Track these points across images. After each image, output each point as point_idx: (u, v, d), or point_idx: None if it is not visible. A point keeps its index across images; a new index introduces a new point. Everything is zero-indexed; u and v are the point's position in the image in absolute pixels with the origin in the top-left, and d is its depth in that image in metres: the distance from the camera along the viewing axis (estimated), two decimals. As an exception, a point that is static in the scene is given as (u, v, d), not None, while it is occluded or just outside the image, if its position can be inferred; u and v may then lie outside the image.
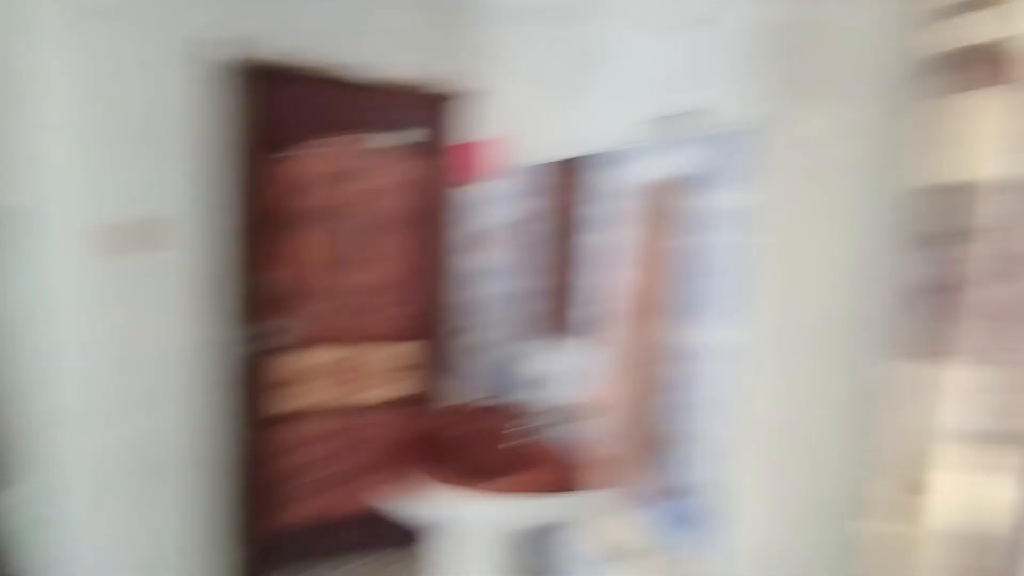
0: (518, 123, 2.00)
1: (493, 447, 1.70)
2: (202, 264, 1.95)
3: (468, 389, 2.25)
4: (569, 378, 1.55)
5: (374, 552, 2.38)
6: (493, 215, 2.08)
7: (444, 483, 1.48)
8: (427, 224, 2.33)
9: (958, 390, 1.06)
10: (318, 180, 2.17)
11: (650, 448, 1.33)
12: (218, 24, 1.89)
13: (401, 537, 2.23)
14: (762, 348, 1.18)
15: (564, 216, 1.70)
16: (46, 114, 1.77)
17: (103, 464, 1.89)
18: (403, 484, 1.56)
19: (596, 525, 1.44)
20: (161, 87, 1.86)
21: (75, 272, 1.81)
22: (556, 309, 1.63)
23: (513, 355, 1.87)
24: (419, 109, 2.25)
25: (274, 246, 2.13)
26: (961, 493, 1.05)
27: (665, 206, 1.30)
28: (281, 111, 2.07)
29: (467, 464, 1.70)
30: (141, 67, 1.83)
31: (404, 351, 2.36)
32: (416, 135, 2.26)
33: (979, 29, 1.03)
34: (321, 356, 2.26)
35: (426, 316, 2.37)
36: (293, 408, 2.24)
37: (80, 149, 1.79)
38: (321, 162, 2.16)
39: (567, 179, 1.70)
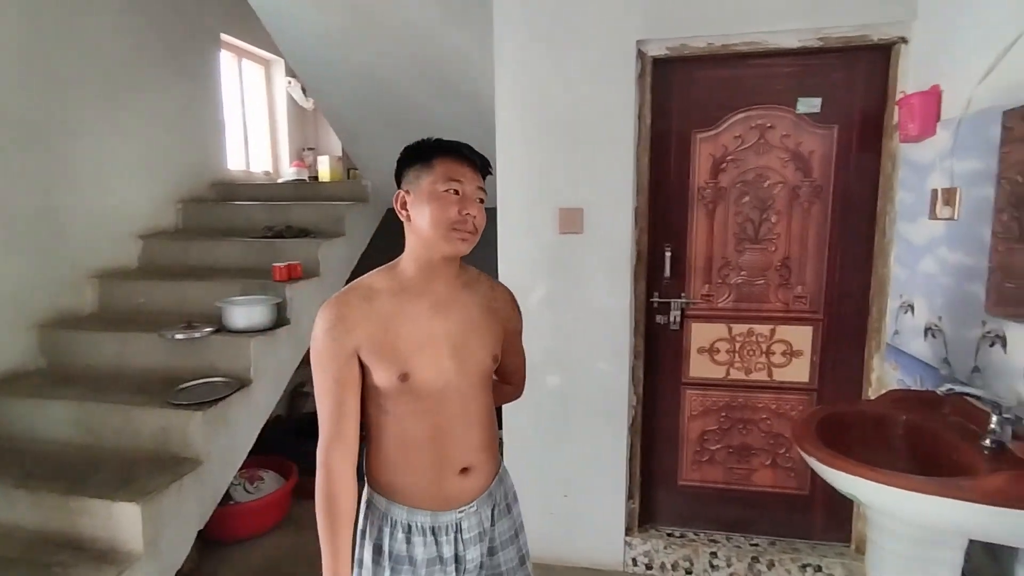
0: (957, 68, 1.73)
1: (951, 443, 1.48)
2: (621, 240, 2.28)
3: (900, 376, 2.08)
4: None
5: (761, 533, 2.47)
6: (936, 177, 1.81)
7: (872, 472, 1.30)
8: (843, 197, 2.21)
9: None
10: (728, 156, 2.27)
11: None
12: (652, 27, 2.18)
13: (792, 524, 2.43)
14: None
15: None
16: (509, 126, 2.33)
17: (543, 404, 2.40)
18: (814, 466, 1.44)
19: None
20: (599, 90, 2.22)
21: (539, 246, 2.34)
22: None
23: (977, 339, 1.59)
24: (839, 71, 2.15)
25: (685, 221, 2.34)
26: None
27: None
28: (701, 92, 2.25)
29: (910, 459, 1.58)
30: (582, 76, 2.23)
31: (808, 332, 2.32)
32: (830, 101, 2.15)
33: None
34: (721, 331, 2.38)
35: (840, 295, 2.27)
36: (692, 378, 2.44)
37: (531, 149, 2.31)
38: (732, 138, 2.26)
39: None
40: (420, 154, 1.15)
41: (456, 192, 1.12)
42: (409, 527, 1.16)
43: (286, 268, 2.72)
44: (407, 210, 1.15)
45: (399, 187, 1.18)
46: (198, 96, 3.55)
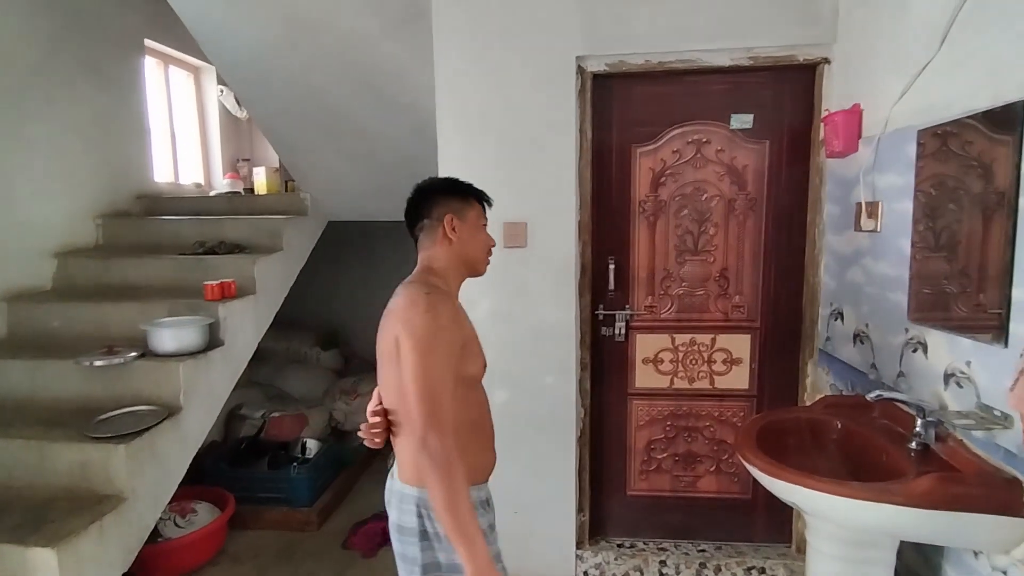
0: (876, 89, 1.83)
1: (879, 446, 1.52)
2: (565, 253, 2.29)
3: (832, 381, 2.14)
4: (990, 376, 1.33)
5: (707, 539, 2.51)
6: (859, 191, 1.88)
7: (809, 480, 1.34)
8: (775, 209, 2.30)
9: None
10: (666, 170, 2.33)
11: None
12: (591, 43, 2.20)
13: (736, 528, 2.50)
14: None
15: (959, 187, 1.42)
16: (451, 139, 2.30)
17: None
18: (755, 474, 1.48)
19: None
20: (540, 105, 2.24)
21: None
22: (959, 295, 1.42)
23: (901, 345, 1.66)
24: (769, 89, 2.24)
25: (627, 234, 2.38)
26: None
27: None
28: (639, 108, 2.31)
29: (843, 462, 1.60)
30: (524, 91, 2.24)
31: (747, 340, 2.38)
32: (761, 117, 2.25)
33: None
34: (665, 342, 2.42)
35: (775, 304, 2.35)
36: (637, 388, 2.46)
37: (473, 162, 2.27)
38: (670, 153, 2.32)
39: (958, 144, 1.42)
40: (463, 192, 1.43)
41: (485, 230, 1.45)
42: (483, 501, 1.35)
43: (219, 286, 2.58)
44: (455, 232, 1.38)
45: (432, 211, 1.39)
46: (119, 105, 3.35)
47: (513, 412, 2.35)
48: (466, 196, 1.43)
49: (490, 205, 1.48)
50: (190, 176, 4.23)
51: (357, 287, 4.48)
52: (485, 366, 1.40)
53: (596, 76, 2.26)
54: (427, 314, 1.21)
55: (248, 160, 4.60)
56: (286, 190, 4.08)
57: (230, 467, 3.04)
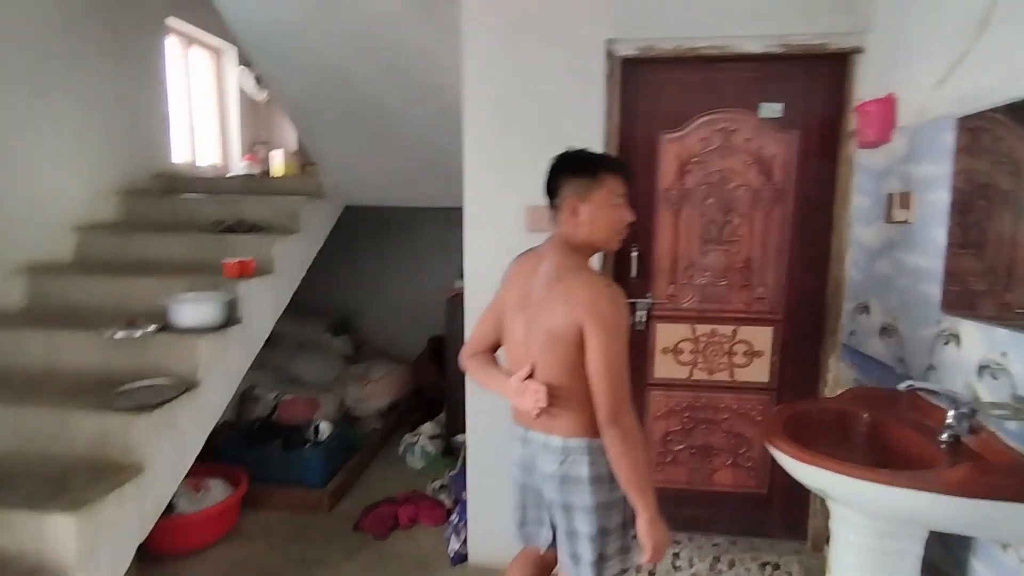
0: (910, 77, 1.81)
1: (909, 438, 1.51)
2: None
3: (856, 376, 2.11)
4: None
5: (722, 533, 2.48)
6: (892, 182, 1.87)
7: (842, 466, 1.34)
8: (802, 200, 2.27)
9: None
10: (693, 158, 2.30)
11: None
12: (622, 27, 2.18)
13: (752, 523, 2.46)
14: None
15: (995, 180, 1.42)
16: (477, 122, 2.28)
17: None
18: (784, 462, 1.49)
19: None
20: (568, 89, 2.21)
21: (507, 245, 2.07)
22: (996, 285, 1.40)
23: (932, 338, 1.63)
24: (799, 78, 2.21)
25: (651, 222, 2.35)
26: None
27: None
28: (668, 94, 2.27)
29: (871, 453, 1.60)
30: (552, 74, 2.21)
31: (769, 333, 2.35)
32: (791, 106, 2.22)
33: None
34: (685, 332, 2.40)
35: (799, 296, 2.32)
36: (656, 378, 2.44)
37: (499, 146, 2.27)
38: (697, 141, 2.28)
39: (999, 132, 1.41)
40: (592, 169, 1.44)
41: (621, 204, 1.46)
42: None
43: (238, 264, 2.58)
44: (577, 216, 1.44)
45: (559, 192, 1.45)
46: (140, 83, 3.35)
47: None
48: (595, 173, 1.43)
49: (628, 176, 1.48)
50: (208, 157, 4.24)
51: (369, 275, 4.47)
52: None
53: (626, 61, 2.23)
54: (612, 305, 1.35)
55: (266, 143, 4.61)
56: (303, 173, 4.08)
57: (244, 446, 3.04)
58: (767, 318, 2.35)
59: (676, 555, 2.38)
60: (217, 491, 2.66)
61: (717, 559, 2.36)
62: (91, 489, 1.83)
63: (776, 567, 2.34)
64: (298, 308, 3.38)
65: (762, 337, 2.36)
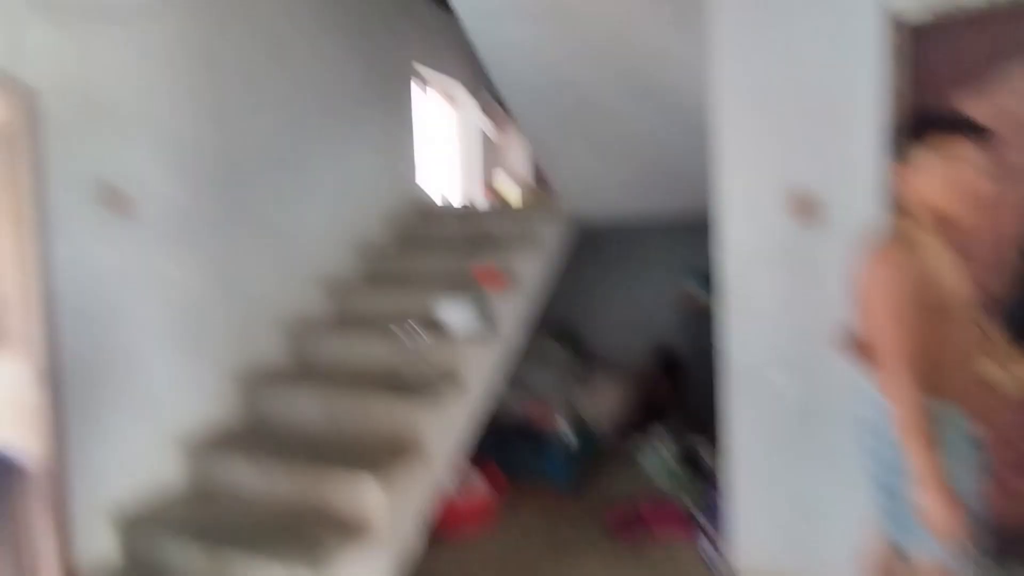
0: None
1: None
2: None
3: None
4: None
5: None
6: None
7: None
8: None
9: None
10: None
11: None
12: None
13: None
14: None
15: None
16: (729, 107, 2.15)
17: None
18: None
19: None
20: (843, 70, 2.01)
21: (771, 239, 2.11)
22: None
23: None
24: None
25: None
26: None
27: None
28: (948, 63, 1.95)
29: None
30: (818, 48, 2.03)
31: None
32: None
33: None
34: None
35: None
36: None
37: (757, 131, 2.14)
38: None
39: None
40: (921, 128, 1.37)
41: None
42: None
43: (495, 279, 2.82)
44: (901, 181, 1.39)
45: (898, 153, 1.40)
46: (396, 125, 3.86)
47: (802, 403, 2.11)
48: (924, 134, 1.34)
49: (983, 136, 1.30)
50: (452, 192, 4.72)
51: (590, 289, 4.60)
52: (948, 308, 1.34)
53: (916, 29, 1.97)
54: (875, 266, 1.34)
55: (502, 179, 5.01)
56: (538, 202, 4.34)
57: (497, 447, 3.25)
58: None
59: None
60: (480, 485, 2.88)
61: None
62: (390, 461, 2.11)
63: None
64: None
65: None
